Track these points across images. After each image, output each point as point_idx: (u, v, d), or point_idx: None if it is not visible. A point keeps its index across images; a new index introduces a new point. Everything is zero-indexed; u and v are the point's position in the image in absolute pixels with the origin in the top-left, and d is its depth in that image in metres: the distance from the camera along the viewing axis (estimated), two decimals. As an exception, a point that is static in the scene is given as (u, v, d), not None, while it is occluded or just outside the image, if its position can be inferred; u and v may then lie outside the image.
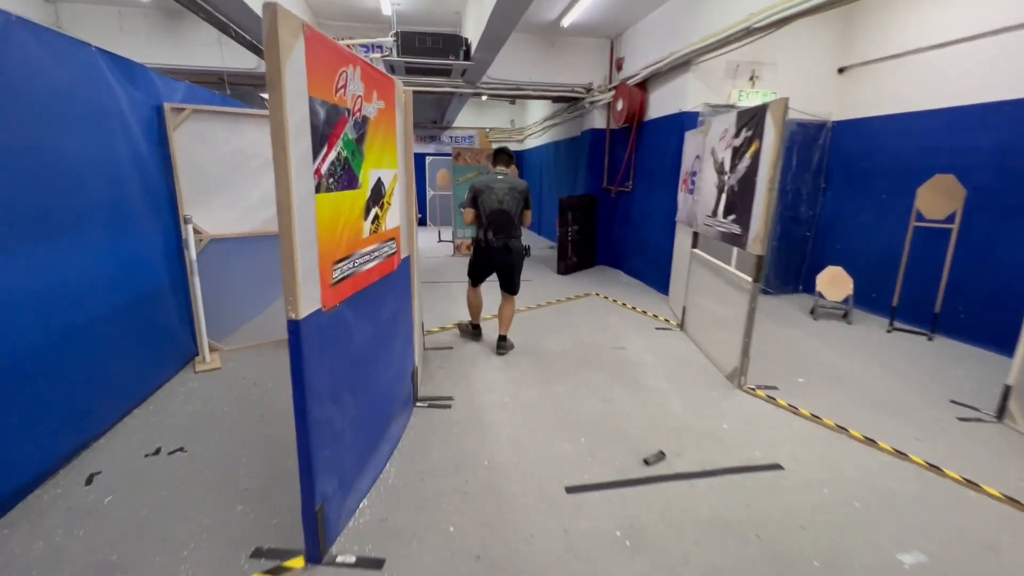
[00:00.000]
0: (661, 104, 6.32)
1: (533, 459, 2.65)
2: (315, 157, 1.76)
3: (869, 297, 5.41)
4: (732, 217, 3.75)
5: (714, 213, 4.10)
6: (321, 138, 1.80)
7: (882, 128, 5.39)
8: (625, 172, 7.34)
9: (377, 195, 2.41)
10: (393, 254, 2.68)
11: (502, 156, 3.98)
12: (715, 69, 5.59)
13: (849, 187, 5.81)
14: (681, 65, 5.67)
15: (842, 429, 2.98)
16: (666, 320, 5.13)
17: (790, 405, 3.27)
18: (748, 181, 3.49)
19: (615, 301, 5.86)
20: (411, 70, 6.09)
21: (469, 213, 3.95)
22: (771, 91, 5.63)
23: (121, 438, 2.76)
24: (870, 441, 2.86)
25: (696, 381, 3.68)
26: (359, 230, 2.19)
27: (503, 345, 4.13)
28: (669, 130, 6.08)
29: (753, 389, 3.50)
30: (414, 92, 8.74)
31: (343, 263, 2.03)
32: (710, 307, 4.20)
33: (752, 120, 3.47)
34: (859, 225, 5.67)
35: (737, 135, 3.70)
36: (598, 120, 7.94)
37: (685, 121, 5.69)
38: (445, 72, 6.23)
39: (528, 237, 11.97)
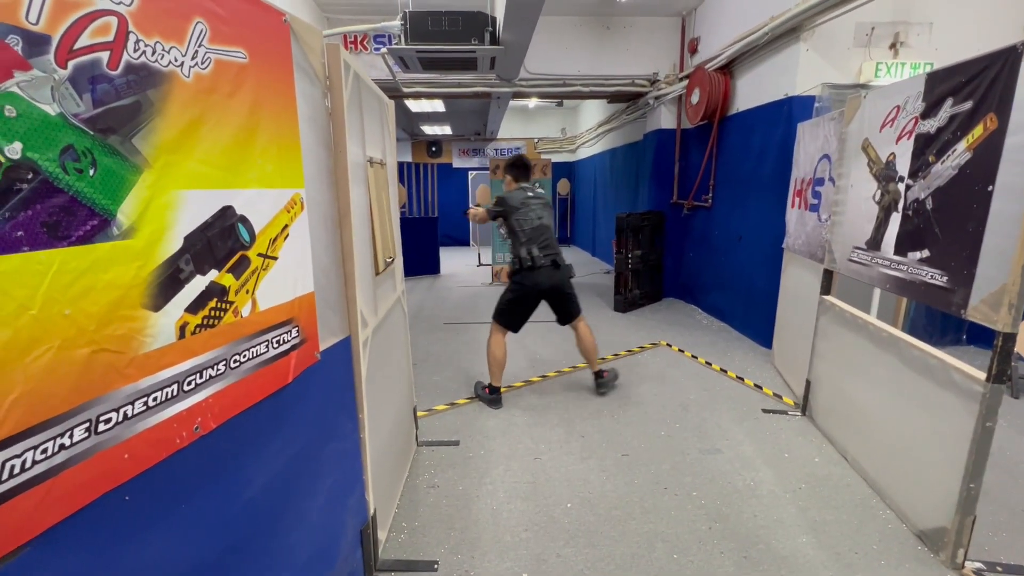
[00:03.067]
0: (755, 90, 4.75)
1: None
2: None
3: (1095, 360, 3.55)
4: (921, 255, 2.18)
5: (874, 244, 2.53)
6: None
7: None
8: (703, 182, 5.77)
9: (215, 246, 1.12)
10: (286, 354, 1.38)
11: (523, 171, 3.43)
12: (838, 36, 3.99)
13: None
14: (787, 34, 4.11)
15: None
16: (776, 395, 3.52)
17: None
18: (965, 191, 1.93)
19: (695, 357, 4.30)
20: (428, 64, 4.87)
21: (482, 213, 3.45)
22: (925, 61, 3.95)
23: None
24: None
25: (860, 538, 2.12)
26: (119, 340, 0.90)
27: (603, 383, 3.52)
28: (768, 124, 4.50)
29: (985, 576, 1.89)
30: (443, 98, 7.64)
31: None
32: (867, 396, 2.60)
33: (972, 82, 1.92)
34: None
35: (930, 113, 2.15)
36: (665, 119, 6.43)
37: (795, 109, 4.10)
38: (470, 64, 4.97)
39: (581, 259, 10.50)
